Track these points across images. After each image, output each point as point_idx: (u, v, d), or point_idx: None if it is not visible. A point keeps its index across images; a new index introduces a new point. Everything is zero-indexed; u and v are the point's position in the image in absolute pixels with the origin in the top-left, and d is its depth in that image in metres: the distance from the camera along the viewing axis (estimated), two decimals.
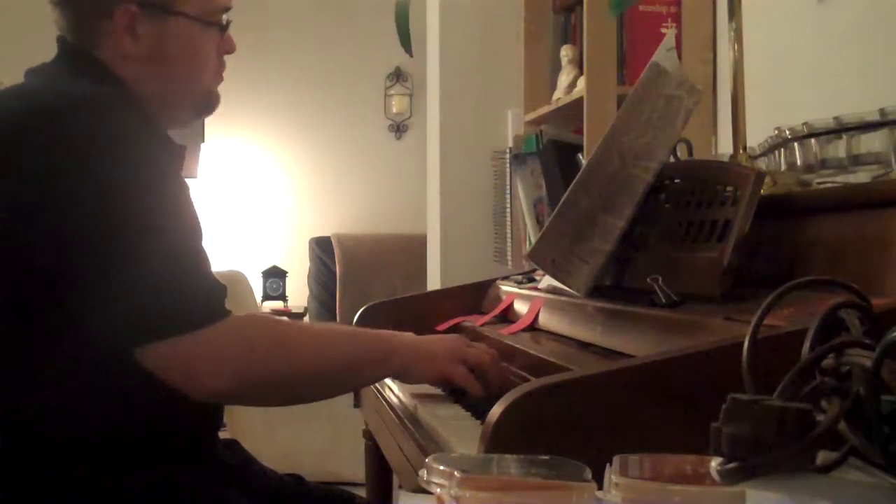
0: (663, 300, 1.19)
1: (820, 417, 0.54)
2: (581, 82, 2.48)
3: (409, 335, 1.36)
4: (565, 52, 2.68)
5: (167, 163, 1.24)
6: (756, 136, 1.45)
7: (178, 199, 1.22)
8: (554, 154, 2.63)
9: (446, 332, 1.85)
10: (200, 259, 1.21)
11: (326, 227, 5.33)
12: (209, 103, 1.38)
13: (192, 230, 1.22)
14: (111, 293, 1.12)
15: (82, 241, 1.14)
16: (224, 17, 1.36)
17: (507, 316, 1.76)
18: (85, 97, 1.19)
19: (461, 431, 1.15)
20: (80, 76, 1.26)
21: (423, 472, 0.63)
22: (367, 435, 1.91)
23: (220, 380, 1.16)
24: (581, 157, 2.47)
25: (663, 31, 2.35)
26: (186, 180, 1.27)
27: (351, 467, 2.76)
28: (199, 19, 1.31)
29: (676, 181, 1.38)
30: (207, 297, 1.18)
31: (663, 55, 1.38)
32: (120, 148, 1.17)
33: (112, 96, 1.23)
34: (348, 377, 1.33)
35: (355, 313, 1.91)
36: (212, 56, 1.35)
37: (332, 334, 1.35)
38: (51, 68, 1.31)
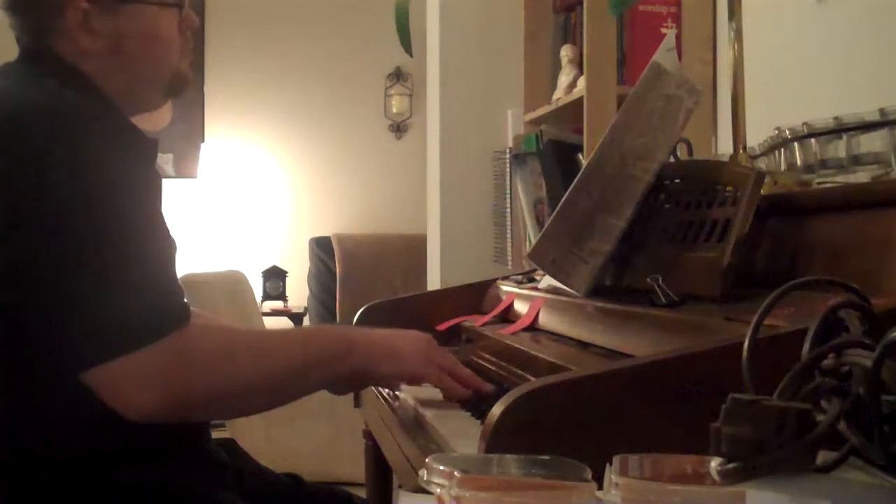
0: (663, 300, 1.19)
1: (820, 417, 0.54)
2: (581, 82, 2.48)
3: (372, 330, 1.30)
4: (565, 52, 2.68)
5: (136, 166, 1.19)
6: (756, 136, 1.45)
7: (140, 206, 1.16)
8: (554, 154, 2.63)
9: (446, 332, 1.85)
10: (156, 274, 1.14)
11: (326, 227, 5.33)
12: (179, 84, 1.34)
13: (155, 241, 1.16)
14: (57, 319, 1.09)
15: (35, 262, 1.10)
16: None
17: (507, 316, 1.76)
18: (46, 101, 1.16)
19: (461, 431, 1.15)
20: (44, 77, 1.23)
21: (423, 472, 0.63)
22: (367, 435, 1.91)
23: (150, 400, 1.10)
24: (581, 157, 2.47)
25: (663, 31, 2.35)
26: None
27: (351, 467, 2.76)
28: (153, 3, 1.28)
29: (676, 181, 1.38)
30: (146, 317, 1.11)
31: (663, 55, 1.38)
32: (81, 160, 1.13)
33: (76, 100, 1.19)
34: (299, 381, 1.25)
35: (355, 313, 1.91)
36: (174, 37, 1.31)
37: (281, 339, 1.27)
38: (14, 69, 1.28)
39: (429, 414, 1.29)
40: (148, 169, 1.23)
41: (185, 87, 1.36)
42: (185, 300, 1.16)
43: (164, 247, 1.18)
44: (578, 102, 2.44)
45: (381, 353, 1.27)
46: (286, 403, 1.27)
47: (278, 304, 5.11)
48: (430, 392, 1.44)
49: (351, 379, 1.31)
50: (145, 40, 1.28)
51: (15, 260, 1.11)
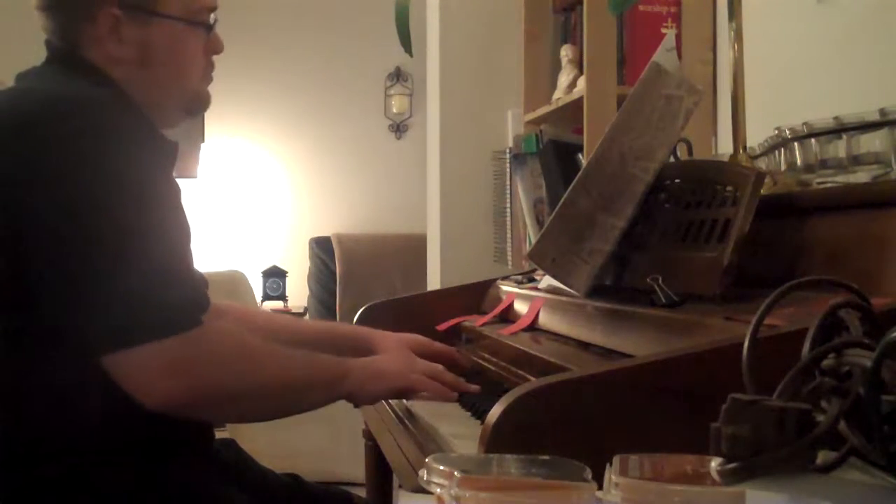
0: (663, 300, 1.19)
1: (820, 417, 0.54)
2: (581, 82, 2.48)
3: (360, 358, 1.35)
4: (565, 52, 2.68)
5: (158, 164, 1.23)
6: (756, 136, 1.45)
7: (165, 202, 1.20)
8: (554, 154, 2.63)
9: (446, 331, 1.86)
10: (180, 266, 1.18)
11: (326, 227, 5.33)
12: (198, 104, 1.37)
13: (176, 234, 1.19)
14: (82, 301, 1.11)
15: (60, 248, 1.13)
16: (211, 16, 1.35)
17: (507, 316, 1.76)
18: (75, 99, 1.19)
19: (461, 431, 1.15)
20: (72, 78, 1.25)
21: (423, 472, 0.64)
22: (367, 435, 1.91)
23: (175, 390, 1.13)
24: (581, 157, 2.47)
25: (663, 31, 2.35)
26: (180, 181, 1.26)
27: (351, 467, 2.76)
28: (183, 20, 1.30)
29: (676, 181, 1.38)
30: (175, 308, 1.14)
31: (663, 55, 1.38)
32: (106, 152, 1.16)
33: (103, 96, 1.22)
34: (302, 397, 1.29)
35: (355, 313, 1.91)
36: (198, 56, 1.34)
37: (290, 354, 1.32)
38: (41, 71, 1.30)
39: (429, 414, 1.29)
40: (170, 169, 1.26)
41: (203, 108, 1.39)
42: (208, 296, 1.21)
43: (186, 242, 1.21)
44: (578, 102, 2.44)
45: (367, 377, 1.30)
46: (289, 415, 1.31)
47: (278, 304, 5.11)
48: None
49: (345, 400, 1.34)
50: (171, 55, 1.31)
51: (36, 251, 1.13)
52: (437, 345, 1.54)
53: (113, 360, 1.11)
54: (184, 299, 1.16)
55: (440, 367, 1.38)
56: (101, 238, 1.13)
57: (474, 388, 1.35)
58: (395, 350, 1.46)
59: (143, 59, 1.29)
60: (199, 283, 1.20)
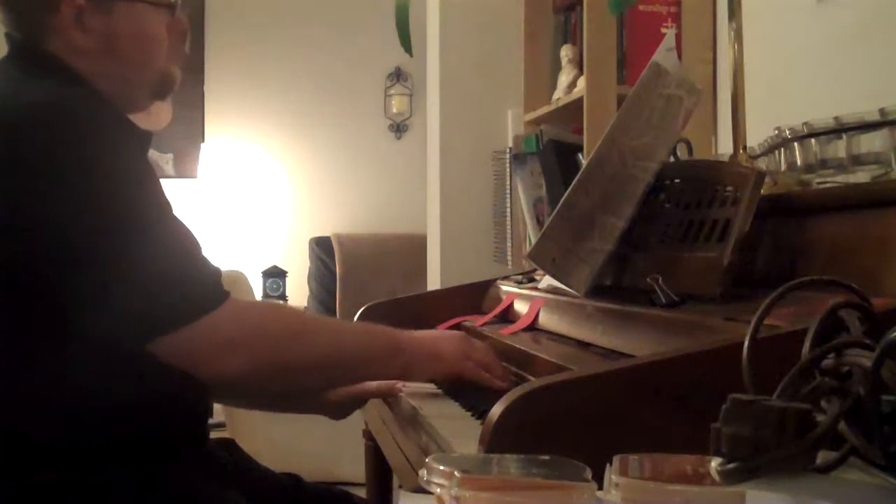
0: (663, 300, 1.19)
1: (820, 417, 0.54)
2: (581, 82, 2.48)
3: (414, 333, 1.37)
4: (565, 52, 2.68)
5: (137, 153, 1.24)
6: (756, 136, 1.45)
7: (154, 188, 1.21)
8: (554, 154, 2.63)
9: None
10: (191, 244, 1.20)
11: (326, 227, 5.32)
12: (166, 85, 1.36)
13: (172, 215, 1.21)
14: (112, 293, 1.12)
15: (71, 245, 1.13)
16: None
17: (507, 316, 1.76)
18: (45, 100, 1.18)
19: (461, 431, 1.15)
20: (35, 74, 1.24)
21: (423, 472, 0.63)
22: (367, 435, 1.91)
23: (234, 363, 1.16)
24: (581, 157, 2.47)
25: (663, 31, 2.35)
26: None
27: (351, 467, 2.76)
28: (145, 2, 1.30)
29: (676, 181, 1.38)
30: (209, 281, 1.18)
31: (663, 55, 1.38)
32: (92, 147, 1.16)
33: (71, 95, 1.21)
34: (357, 370, 1.33)
35: (355, 313, 1.91)
36: (163, 37, 1.33)
37: (344, 326, 1.35)
38: (4, 69, 1.29)
39: (429, 414, 1.29)
40: (146, 157, 1.27)
41: (171, 90, 1.38)
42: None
43: (185, 227, 1.23)
44: (578, 102, 2.44)
45: (424, 356, 1.33)
46: (342, 387, 1.36)
47: None
48: (430, 390, 1.44)
49: (394, 378, 1.38)
50: (136, 40, 1.30)
51: (47, 254, 1.13)
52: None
53: (165, 343, 1.13)
54: (212, 271, 1.19)
55: (494, 358, 1.40)
56: (117, 230, 1.14)
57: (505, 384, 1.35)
58: (449, 332, 1.47)
59: (109, 48, 1.28)
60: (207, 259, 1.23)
